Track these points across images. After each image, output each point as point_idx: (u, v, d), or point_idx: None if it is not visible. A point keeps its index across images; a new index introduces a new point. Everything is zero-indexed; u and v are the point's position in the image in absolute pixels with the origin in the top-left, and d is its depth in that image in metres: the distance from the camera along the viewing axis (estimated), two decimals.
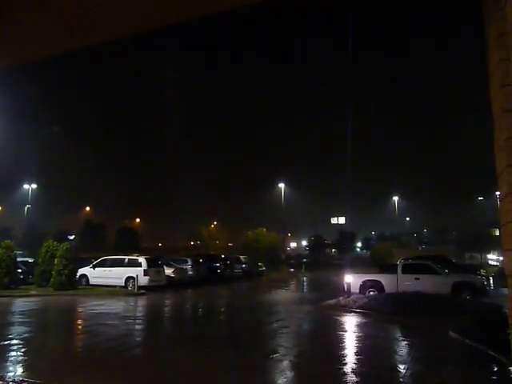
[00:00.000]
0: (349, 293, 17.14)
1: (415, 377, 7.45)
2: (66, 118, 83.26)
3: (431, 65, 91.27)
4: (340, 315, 14.27)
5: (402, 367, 8.03)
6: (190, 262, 28.18)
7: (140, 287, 21.09)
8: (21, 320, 13.38)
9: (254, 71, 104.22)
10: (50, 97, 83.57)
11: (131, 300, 18.83)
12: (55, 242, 23.05)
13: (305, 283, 32.50)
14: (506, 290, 2.45)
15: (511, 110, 2.51)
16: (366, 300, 15.13)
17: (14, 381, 6.55)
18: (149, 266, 22.32)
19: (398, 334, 11.93)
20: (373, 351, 9.55)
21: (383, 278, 17.43)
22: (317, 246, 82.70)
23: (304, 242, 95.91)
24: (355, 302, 15.20)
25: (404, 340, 10.99)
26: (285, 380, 7.19)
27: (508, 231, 2.62)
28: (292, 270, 49.63)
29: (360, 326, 12.80)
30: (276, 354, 8.80)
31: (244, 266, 35.21)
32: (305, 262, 53.91)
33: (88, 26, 3.51)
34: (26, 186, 59.71)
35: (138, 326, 12.98)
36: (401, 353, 9.55)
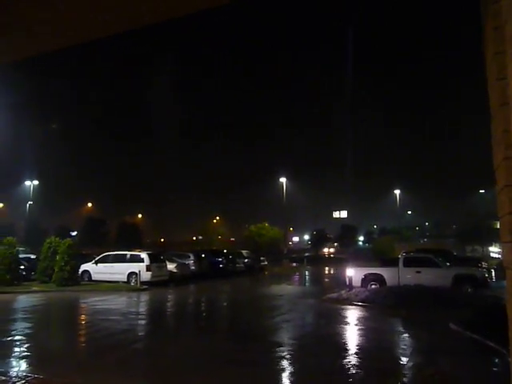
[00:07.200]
0: (350, 286, 17.19)
1: (416, 368, 7.49)
2: (68, 114, 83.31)
3: (432, 57, 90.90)
4: (342, 308, 14.32)
5: (403, 359, 8.09)
6: (192, 257, 28.10)
7: (142, 282, 21.18)
8: (23, 316, 13.44)
9: (254, 66, 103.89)
10: (52, 93, 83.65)
11: (134, 295, 18.91)
12: (57, 238, 23.01)
13: (307, 277, 32.53)
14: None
15: (508, 103, 2.52)
16: (367, 293, 15.19)
17: (17, 376, 6.61)
18: (151, 261, 22.36)
19: (400, 327, 11.98)
20: (374, 343, 9.61)
21: (385, 272, 17.45)
22: (319, 240, 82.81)
23: (306, 237, 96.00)
24: (357, 295, 15.26)
25: (405, 332, 11.06)
26: (288, 373, 7.24)
27: (505, 223, 2.63)
28: (294, 264, 49.67)
29: (362, 318, 12.85)
30: (280, 347, 8.85)
31: (246, 260, 35.19)
32: (307, 256, 53.93)
33: (87, 20, 3.50)
34: (27, 183, 59.71)
35: (140, 321, 13.04)
36: (402, 345, 9.61)
